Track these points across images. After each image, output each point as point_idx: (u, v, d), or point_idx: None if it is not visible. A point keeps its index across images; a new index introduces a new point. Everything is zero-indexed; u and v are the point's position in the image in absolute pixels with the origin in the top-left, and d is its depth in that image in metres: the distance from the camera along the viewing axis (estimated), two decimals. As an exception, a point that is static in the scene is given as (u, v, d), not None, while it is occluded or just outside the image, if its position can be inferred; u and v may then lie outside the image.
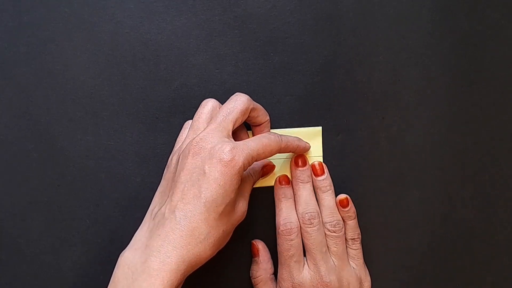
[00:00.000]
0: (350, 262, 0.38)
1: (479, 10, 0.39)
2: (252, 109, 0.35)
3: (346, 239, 0.38)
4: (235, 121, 0.33)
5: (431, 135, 0.40)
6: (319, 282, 0.36)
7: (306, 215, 0.36)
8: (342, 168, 0.39)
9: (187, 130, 0.35)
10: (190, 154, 0.31)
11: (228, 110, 0.33)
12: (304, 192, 0.38)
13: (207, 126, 0.33)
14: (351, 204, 0.38)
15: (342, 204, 0.38)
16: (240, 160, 0.31)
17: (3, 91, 0.38)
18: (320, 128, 0.39)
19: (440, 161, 0.40)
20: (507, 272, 0.41)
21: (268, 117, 0.37)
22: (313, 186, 0.38)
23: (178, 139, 0.37)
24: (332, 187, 0.38)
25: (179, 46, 0.38)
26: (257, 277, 0.38)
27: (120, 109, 0.39)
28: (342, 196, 0.38)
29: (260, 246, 0.39)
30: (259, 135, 0.34)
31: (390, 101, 0.39)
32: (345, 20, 0.38)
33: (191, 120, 0.36)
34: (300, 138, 0.37)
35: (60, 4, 0.37)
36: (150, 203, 0.34)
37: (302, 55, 0.38)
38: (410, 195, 0.40)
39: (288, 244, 0.36)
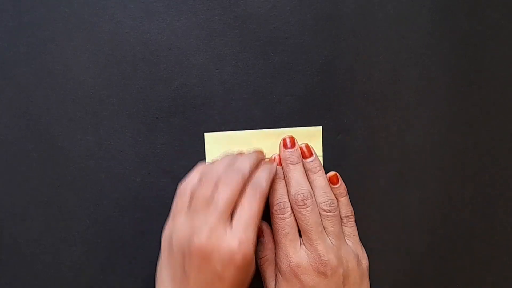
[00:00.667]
0: (347, 239, 0.38)
1: (479, 10, 0.39)
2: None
3: (340, 217, 0.38)
4: (232, 201, 0.32)
5: (431, 135, 0.40)
6: (317, 262, 0.35)
7: (299, 195, 0.36)
8: (342, 168, 0.39)
9: (184, 198, 0.34)
10: (200, 257, 0.31)
11: (226, 193, 0.32)
12: (295, 173, 0.37)
13: (207, 217, 0.31)
14: (341, 180, 0.38)
15: (332, 181, 0.38)
16: (250, 252, 0.31)
17: (3, 91, 0.38)
18: (320, 128, 0.39)
19: (440, 161, 0.40)
20: (507, 272, 0.41)
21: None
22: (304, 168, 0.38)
23: (175, 206, 0.34)
24: (322, 168, 0.38)
25: (179, 46, 0.38)
26: (263, 257, 0.38)
27: (120, 109, 0.39)
28: (331, 173, 0.39)
29: (264, 226, 0.38)
30: (248, 201, 0.32)
31: (390, 101, 0.39)
32: (345, 20, 0.38)
33: (185, 183, 0.34)
34: (268, 169, 0.36)
35: (60, 4, 0.37)
36: (156, 277, 0.34)
37: (302, 55, 0.38)
38: (410, 195, 0.40)
39: (282, 222, 0.36)
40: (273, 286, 0.37)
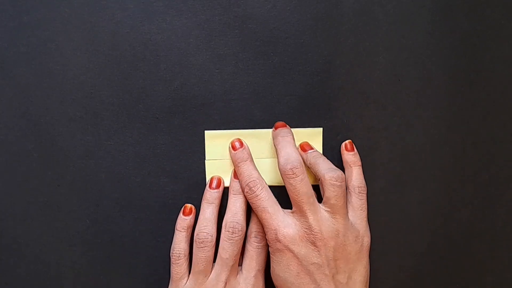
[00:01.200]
0: (352, 213, 0.37)
1: (479, 10, 0.39)
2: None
3: (350, 188, 0.37)
4: (236, 257, 0.37)
5: (431, 135, 0.40)
6: (306, 231, 0.34)
7: (288, 165, 0.35)
8: (342, 168, 0.39)
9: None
10: None
11: (233, 247, 0.36)
12: (285, 143, 0.37)
13: (221, 269, 0.36)
14: (355, 150, 0.39)
15: (347, 148, 0.38)
16: None
17: (3, 91, 0.38)
18: (320, 129, 0.39)
19: (440, 161, 0.40)
20: (507, 272, 0.41)
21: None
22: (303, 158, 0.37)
23: (175, 274, 0.38)
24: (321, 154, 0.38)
25: (179, 46, 0.38)
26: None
27: (120, 109, 0.39)
28: (347, 141, 0.39)
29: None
30: (248, 251, 0.38)
31: (390, 101, 0.39)
32: (345, 20, 0.38)
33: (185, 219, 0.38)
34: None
35: (60, 4, 0.37)
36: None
37: (302, 55, 0.38)
38: (410, 195, 0.40)
39: (256, 200, 0.36)
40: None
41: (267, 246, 0.37)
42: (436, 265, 0.38)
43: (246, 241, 0.38)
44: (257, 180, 0.36)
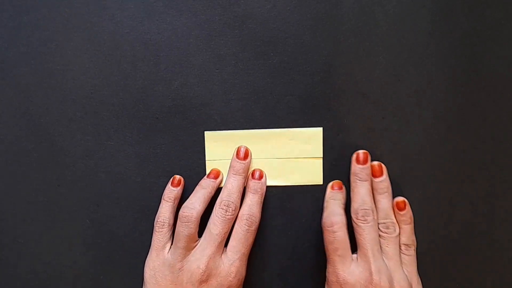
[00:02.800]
0: (404, 268, 0.37)
1: (479, 10, 0.39)
2: None
3: (400, 244, 0.38)
4: (224, 235, 0.36)
5: (431, 135, 0.40)
6: (367, 280, 0.35)
7: (361, 211, 0.36)
8: (342, 168, 0.39)
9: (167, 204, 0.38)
10: (197, 281, 0.35)
11: (221, 226, 0.36)
12: (362, 189, 0.37)
13: (206, 246, 0.36)
14: (408, 208, 0.38)
15: (398, 207, 0.38)
16: (243, 275, 0.37)
17: (3, 91, 0.38)
18: (320, 129, 0.39)
19: (440, 161, 0.40)
20: (507, 272, 0.41)
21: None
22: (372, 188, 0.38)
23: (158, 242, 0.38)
24: (390, 190, 0.38)
25: (179, 46, 0.38)
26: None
27: (120, 109, 0.39)
28: (400, 198, 0.38)
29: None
30: (236, 233, 0.37)
31: (390, 101, 0.39)
32: (345, 20, 0.38)
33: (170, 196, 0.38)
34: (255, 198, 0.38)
35: (60, 4, 0.37)
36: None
37: (302, 55, 0.38)
38: (410, 195, 0.40)
39: (331, 237, 0.36)
40: None
41: (256, 231, 0.37)
42: (436, 265, 0.38)
43: (236, 223, 0.37)
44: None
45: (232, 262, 0.36)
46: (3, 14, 0.37)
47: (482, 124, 0.40)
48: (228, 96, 0.39)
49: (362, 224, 0.36)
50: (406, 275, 0.36)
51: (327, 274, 0.37)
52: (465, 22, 0.39)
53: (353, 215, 0.37)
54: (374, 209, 0.37)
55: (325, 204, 0.39)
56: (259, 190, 0.38)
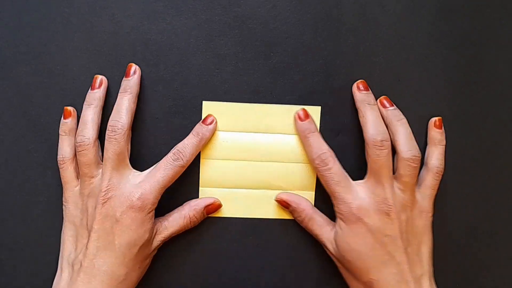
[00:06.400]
0: (422, 189, 0.37)
1: (479, 10, 0.39)
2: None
3: (429, 166, 0.38)
4: (124, 152, 0.35)
5: (431, 135, 0.40)
6: (381, 203, 0.35)
7: (379, 136, 0.35)
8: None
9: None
10: (100, 203, 0.34)
11: (114, 146, 0.35)
12: (374, 113, 0.37)
13: (105, 168, 0.35)
14: (443, 128, 0.39)
15: (436, 125, 0.38)
16: (149, 202, 0.34)
17: (3, 91, 0.38)
18: (319, 107, 0.39)
19: (440, 161, 0.40)
20: (507, 272, 0.41)
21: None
22: (383, 117, 0.38)
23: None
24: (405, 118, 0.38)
25: (179, 46, 0.38)
26: (301, 220, 0.38)
27: (120, 109, 0.38)
28: (436, 118, 0.39)
29: (284, 196, 0.39)
30: (164, 166, 0.36)
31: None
32: (345, 20, 0.38)
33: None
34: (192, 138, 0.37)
35: (60, 4, 0.37)
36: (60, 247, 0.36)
37: (302, 55, 0.38)
38: (410, 195, 0.40)
39: (328, 173, 0.36)
40: (332, 238, 0.37)
41: (181, 168, 0.36)
42: (436, 265, 0.38)
43: (165, 156, 0.36)
44: (329, 153, 0.37)
45: (140, 181, 0.35)
46: (3, 14, 0.37)
47: (482, 124, 0.40)
48: (228, 96, 0.39)
49: (379, 151, 0.35)
50: (418, 200, 0.37)
51: (335, 210, 0.36)
52: (465, 22, 0.39)
53: (369, 141, 0.36)
54: (389, 135, 0.36)
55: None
56: (200, 134, 0.37)
